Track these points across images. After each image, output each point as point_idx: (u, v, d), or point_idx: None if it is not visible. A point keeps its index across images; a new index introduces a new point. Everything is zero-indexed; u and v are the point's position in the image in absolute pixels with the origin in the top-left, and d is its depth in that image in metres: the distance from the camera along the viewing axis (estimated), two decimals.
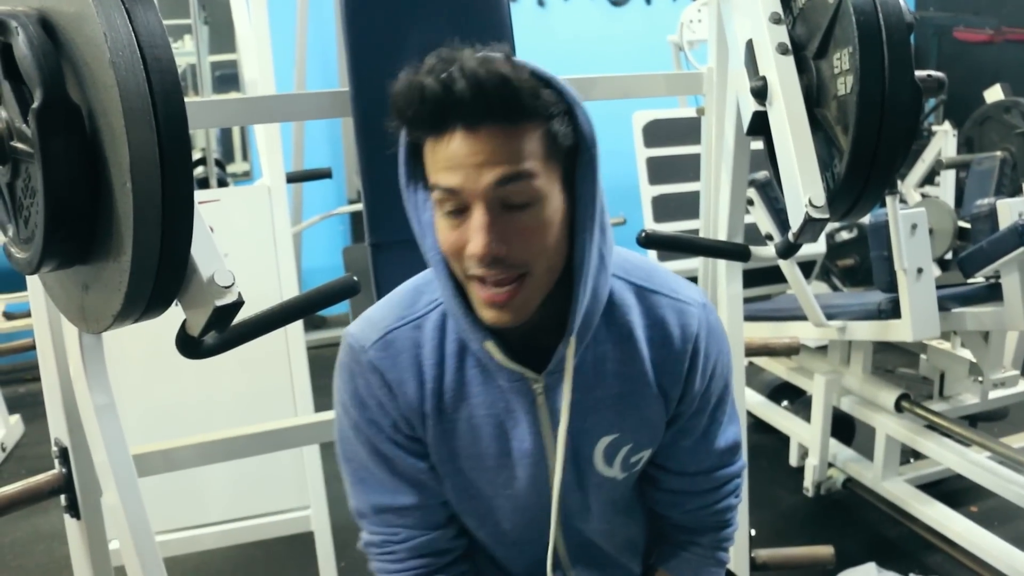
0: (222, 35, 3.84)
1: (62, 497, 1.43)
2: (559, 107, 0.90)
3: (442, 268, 0.97)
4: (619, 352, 1.05)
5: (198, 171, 3.53)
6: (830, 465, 2.76)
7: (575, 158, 0.93)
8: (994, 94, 3.79)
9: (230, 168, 4.34)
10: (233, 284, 1.00)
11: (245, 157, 4.43)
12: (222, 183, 3.68)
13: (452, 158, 0.87)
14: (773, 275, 2.97)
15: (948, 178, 3.95)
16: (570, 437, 1.05)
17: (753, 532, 2.36)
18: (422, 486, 1.08)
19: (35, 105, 0.88)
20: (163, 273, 0.93)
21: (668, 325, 1.06)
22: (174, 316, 1.07)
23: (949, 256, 3.48)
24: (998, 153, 3.08)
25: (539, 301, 0.95)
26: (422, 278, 1.09)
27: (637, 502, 1.24)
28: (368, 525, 1.12)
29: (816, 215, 1.43)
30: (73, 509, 1.43)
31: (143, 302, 0.95)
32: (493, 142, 0.86)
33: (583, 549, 1.18)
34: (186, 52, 3.91)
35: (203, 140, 3.60)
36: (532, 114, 0.87)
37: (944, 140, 3.94)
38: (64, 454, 1.41)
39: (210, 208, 2.07)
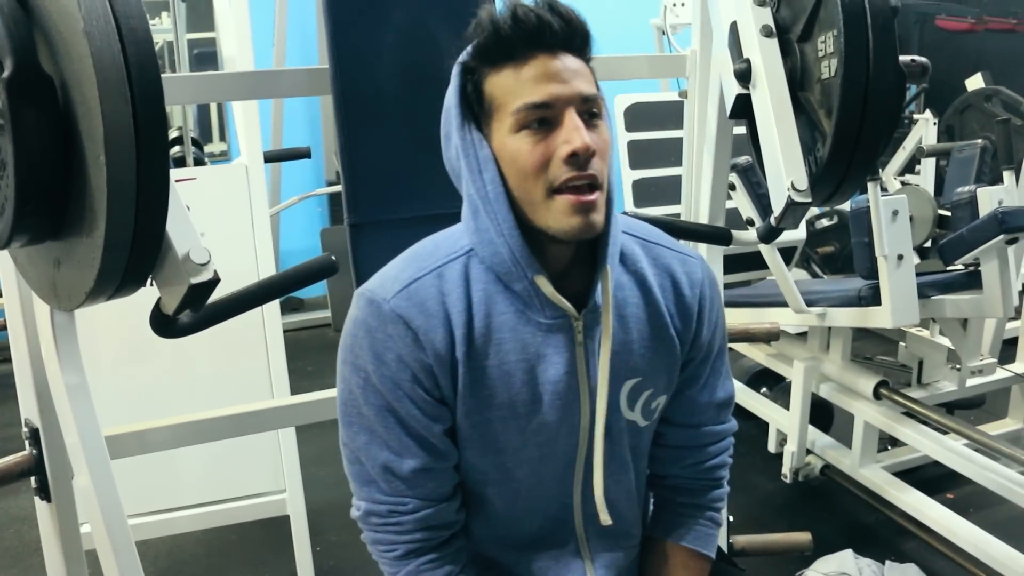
0: (200, 13, 3.80)
1: (32, 479, 1.40)
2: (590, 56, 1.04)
3: (502, 199, 1.01)
4: (637, 297, 1.11)
5: (175, 150, 3.48)
6: (808, 452, 2.77)
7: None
8: (975, 82, 3.81)
9: (207, 148, 4.29)
10: (209, 262, 0.98)
11: (223, 137, 4.39)
12: (199, 163, 3.63)
13: (543, 74, 0.97)
14: (753, 261, 2.98)
15: (928, 166, 3.96)
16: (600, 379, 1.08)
17: (731, 518, 2.37)
18: (431, 449, 1.07)
19: (5, 75, 0.86)
20: (137, 249, 0.91)
21: (675, 272, 1.14)
22: (148, 295, 1.05)
23: (929, 244, 3.50)
24: (979, 141, 3.08)
25: (604, 218, 1.01)
26: (438, 236, 1.11)
27: (644, 468, 1.25)
28: (374, 493, 1.09)
29: (798, 199, 1.43)
30: (44, 491, 1.41)
31: (116, 279, 0.94)
32: (574, 64, 0.99)
33: (596, 517, 1.17)
34: (163, 29, 3.86)
35: (180, 119, 3.55)
36: (590, 53, 1.03)
37: (925, 128, 3.95)
38: (35, 435, 1.38)
39: (186, 187, 2.04)
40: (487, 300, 1.04)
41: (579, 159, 0.96)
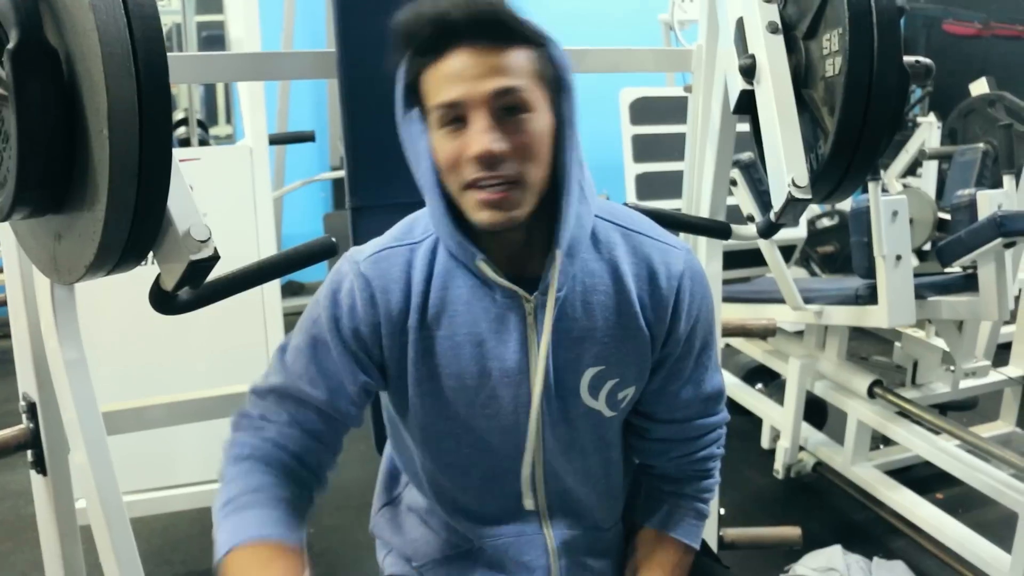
0: None
1: (29, 453, 1.41)
2: (539, 39, 1.01)
3: (435, 189, 1.03)
4: (608, 285, 1.09)
5: (180, 131, 3.48)
6: (801, 448, 2.78)
7: (558, 88, 1.03)
8: (979, 87, 3.81)
9: (213, 131, 4.29)
10: (209, 239, 0.99)
11: (228, 120, 4.38)
12: (204, 144, 3.63)
13: (452, 73, 0.97)
14: (752, 258, 2.99)
15: (930, 169, 3.97)
16: (556, 366, 1.08)
17: (722, 511, 2.39)
18: (339, 393, 1.09)
19: (10, 46, 0.86)
20: (138, 224, 0.92)
21: (654, 263, 1.11)
22: (149, 271, 1.06)
23: (928, 247, 3.51)
24: (981, 145, 3.09)
25: (529, 211, 1.01)
26: (419, 213, 1.14)
27: (622, 455, 1.25)
28: (256, 400, 1.12)
29: (799, 195, 1.43)
30: (40, 465, 1.41)
31: (117, 253, 0.94)
32: (489, 58, 0.96)
33: (561, 497, 1.19)
34: (172, 11, 3.84)
35: (186, 100, 3.54)
36: (519, 37, 0.98)
37: (928, 131, 3.95)
38: (32, 409, 1.39)
39: (190, 167, 2.04)
40: (446, 274, 1.08)
41: (486, 161, 0.96)
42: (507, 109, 0.97)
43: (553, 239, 1.04)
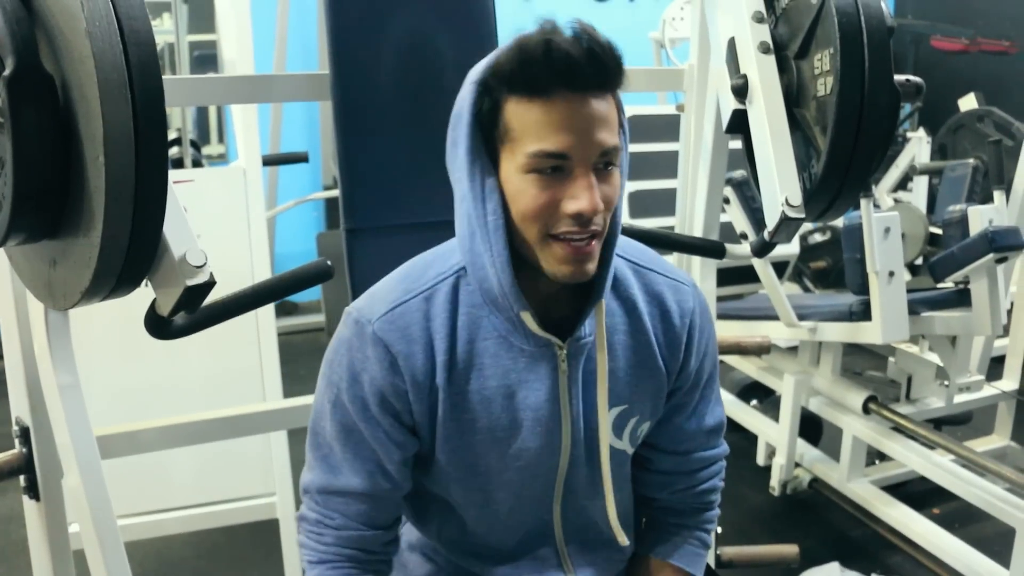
0: (202, 15, 3.80)
1: (21, 478, 1.40)
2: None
3: (500, 233, 0.97)
4: (627, 324, 1.09)
5: (173, 151, 3.48)
6: (797, 465, 2.78)
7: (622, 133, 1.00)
8: (968, 103, 3.84)
9: (205, 150, 4.30)
10: (205, 264, 0.99)
11: (221, 140, 4.39)
12: (197, 165, 3.63)
13: (564, 121, 0.91)
14: (745, 275, 2.99)
15: (921, 184, 3.99)
16: (583, 408, 1.07)
17: (719, 529, 2.38)
18: (382, 474, 1.06)
19: (6, 73, 0.87)
20: (134, 250, 0.92)
21: (666, 301, 1.11)
22: (144, 296, 1.06)
23: (920, 262, 3.52)
24: (971, 160, 3.12)
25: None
26: (430, 254, 1.09)
27: (631, 490, 1.25)
28: (308, 502, 1.11)
29: (792, 214, 1.44)
30: (33, 490, 1.40)
31: (112, 279, 0.94)
32: (598, 109, 0.92)
33: (581, 528, 1.18)
34: (165, 31, 3.86)
35: (179, 120, 3.55)
36: (618, 86, 0.95)
37: (918, 147, 3.98)
38: (25, 433, 1.38)
39: (184, 189, 2.03)
40: (471, 324, 1.03)
41: (583, 218, 0.93)
42: (606, 164, 0.95)
43: (590, 287, 1.02)
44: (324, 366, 1.07)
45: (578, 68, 0.89)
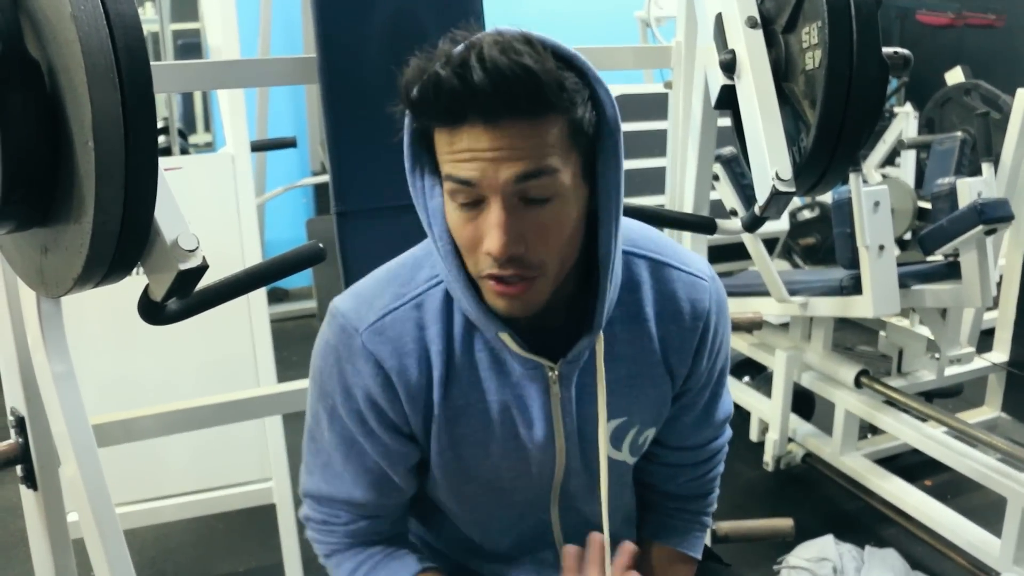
0: (184, 2, 3.77)
1: (18, 468, 1.40)
2: (583, 93, 0.85)
3: (452, 259, 0.92)
4: (628, 332, 1.02)
5: (160, 140, 3.47)
6: (790, 440, 2.79)
7: (597, 143, 0.90)
8: (955, 76, 3.84)
9: (192, 139, 4.28)
10: (197, 248, 0.98)
11: (208, 128, 4.37)
12: (184, 153, 3.62)
13: (469, 150, 0.82)
14: (736, 252, 3.00)
15: (909, 159, 3.99)
16: (579, 424, 1.03)
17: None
18: (387, 485, 1.05)
19: None
20: (126, 235, 0.91)
21: (679, 300, 1.03)
22: (136, 283, 1.06)
23: (909, 235, 3.54)
24: (958, 134, 3.12)
25: (550, 293, 0.92)
26: (420, 249, 1.03)
27: (633, 492, 1.25)
28: (311, 503, 1.11)
29: (782, 188, 1.44)
30: (30, 480, 1.40)
31: (105, 265, 0.94)
32: (514, 136, 0.81)
33: (581, 529, 1.15)
34: (148, 20, 3.83)
35: (165, 109, 3.53)
36: (556, 107, 0.82)
37: (905, 121, 3.98)
38: (21, 424, 1.38)
39: (172, 176, 2.00)
40: (467, 335, 0.98)
41: (500, 259, 0.85)
42: (528, 200, 0.84)
43: (587, 309, 0.97)
44: (313, 372, 1.03)
45: (480, 92, 0.79)
